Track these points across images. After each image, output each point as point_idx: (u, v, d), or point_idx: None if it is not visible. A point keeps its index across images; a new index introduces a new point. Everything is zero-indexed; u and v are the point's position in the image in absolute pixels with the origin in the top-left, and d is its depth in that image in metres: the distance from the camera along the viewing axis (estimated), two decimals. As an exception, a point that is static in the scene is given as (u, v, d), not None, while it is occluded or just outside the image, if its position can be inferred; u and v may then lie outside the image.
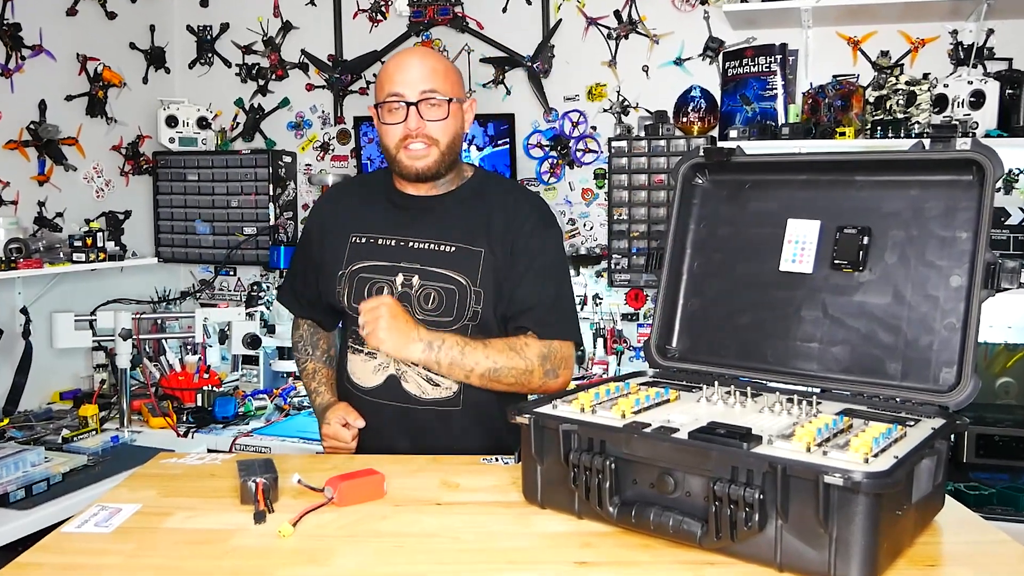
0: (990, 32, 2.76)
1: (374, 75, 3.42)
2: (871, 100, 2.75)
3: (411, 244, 1.68)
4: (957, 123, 2.54)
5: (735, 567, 1.04)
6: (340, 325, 1.86)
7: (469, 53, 3.30)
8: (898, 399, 1.28)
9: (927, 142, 1.31)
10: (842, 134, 2.67)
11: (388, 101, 1.63)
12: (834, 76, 2.86)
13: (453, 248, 1.65)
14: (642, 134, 3.01)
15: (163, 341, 3.09)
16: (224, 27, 3.59)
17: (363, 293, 1.67)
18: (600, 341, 3.13)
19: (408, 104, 1.61)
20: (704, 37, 3.05)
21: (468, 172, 1.77)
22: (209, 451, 2.54)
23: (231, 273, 3.64)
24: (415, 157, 1.64)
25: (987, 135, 2.55)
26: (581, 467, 1.15)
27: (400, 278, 1.66)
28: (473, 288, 1.63)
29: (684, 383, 1.43)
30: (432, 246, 1.67)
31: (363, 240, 1.72)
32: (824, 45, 2.93)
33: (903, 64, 2.86)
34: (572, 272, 3.09)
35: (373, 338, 1.54)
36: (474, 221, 1.68)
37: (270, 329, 3.13)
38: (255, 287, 3.23)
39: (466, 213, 1.69)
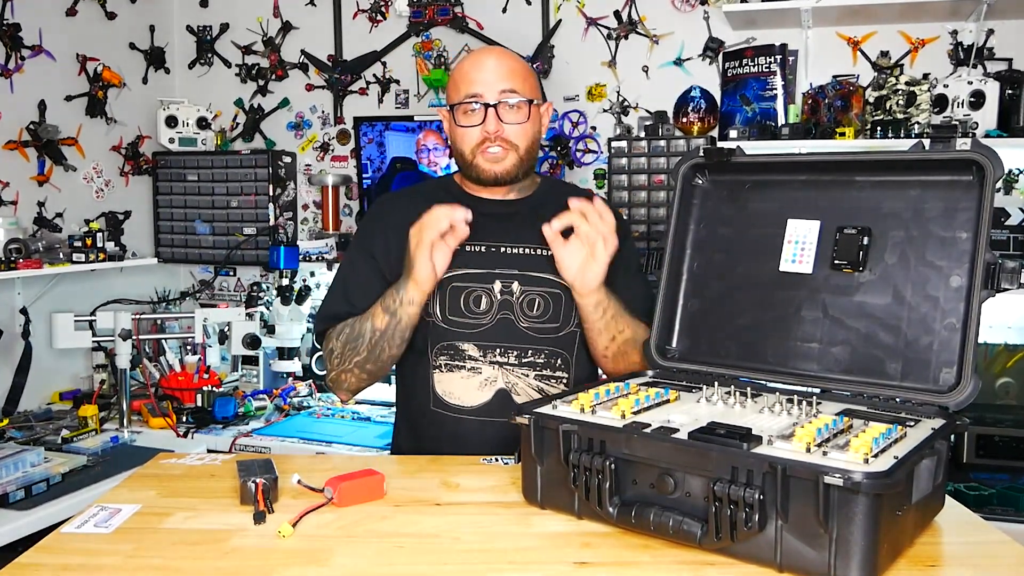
0: (990, 32, 2.77)
1: (374, 75, 3.43)
2: (871, 100, 2.75)
3: (503, 249, 1.61)
4: (957, 123, 2.54)
5: (735, 567, 1.04)
6: (420, 345, 1.62)
7: (469, 53, 3.30)
8: (898, 399, 1.28)
9: (927, 142, 1.31)
10: (842, 134, 2.68)
11: (465, 102, 1.57)
12: (834, 76, 2.86)
13: (549, 252, 1.56)
14: (642, 134, 3.01)
15: (163, 341, 3.09)
16: (224, 27, 3.59)
17: (459, 304, 1.58)
18: (600, 341, 3.12)
19: (486, 106, 1.55)
20: (704, 37, 3.06)
21: (538, 178, 1.74)
22: (209, 451, 2.54)
23: (231, 273, 3.64)
24: (493, 160, 1.58)
25: (987, 135, 2.55)
26: (581, 467, 1.15)
27: (498, 285, 1.58)
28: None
29: (684, 383, 1.43)
30: (527, 250, 1.61)
31: None
32: (824, 45, 2.93)
33: (903, 64, 2.86)
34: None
35: (601, 251, 1.45)
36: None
37: (270, 329, 3.13)
38: (255, 287, 3.22)
39: (552, 215, 1.60)
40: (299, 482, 1.28)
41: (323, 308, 1.69)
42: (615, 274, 1.62)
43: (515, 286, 1.59)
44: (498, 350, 1.58)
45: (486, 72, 1.57)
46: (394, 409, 1.80)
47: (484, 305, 1.59)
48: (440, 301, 1.59)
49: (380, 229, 1.67)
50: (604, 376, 1.69)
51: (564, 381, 1.62)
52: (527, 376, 1.59)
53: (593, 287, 1.51)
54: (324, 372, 1.71)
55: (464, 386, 1.58)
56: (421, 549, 1.11)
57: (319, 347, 1.68)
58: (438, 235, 1.44)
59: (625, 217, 3.00)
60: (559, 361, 1.61)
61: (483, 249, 1.61)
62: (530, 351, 1.59)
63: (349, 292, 1.64)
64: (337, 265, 1.76)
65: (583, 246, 1.49)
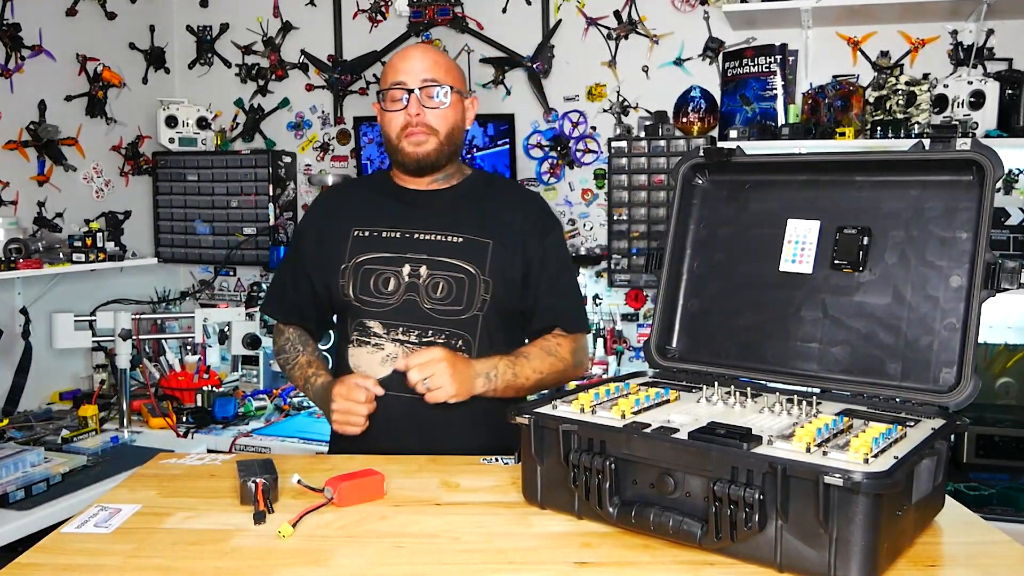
0: (990, 32, 2.77)
1: (374, 75, 3.43)
2: (871, 100, 2.75)
3: (416, 236, 1.69)
4: (957, 123, 2.54)
5: (735, 567, 1.04)
6: (336, 320, 1.83)
7: (469, 53, 3.30)
8: (898, 399, 1.28)
9: (927, 142, 1.31)
10: (842, 134, 2.68)
11: (390, 89, 1.66)
12: (834, 76, 2.86)
13: (460, 239, 1.67)
14: (642, 134, 3.01)
15: (163, 341, 3.09)
16: (224, 27, 3.59)
17: (369, 284, 1.68)
18: (600, 341, 3.13)
19: (409, 91, 1.64)
20: (704, 37, 3.05)
21: (467, 170, 1.82)
22: (209, 451, 2.53)
23: (231, 273, 3.64)
24: (415, 144, 1.66)
25: (987, 135, 2.55)
26: (581, 467, 1.15)
27: (407, 268, 1.66)
28: (482, 277, 1.65)
29: (684, 383, 1.43)
30: (439, 237, 1.68)
31: (366, 233, 1.72)
32: (824, 45, 2.93)
33: (903, 64, 2.86)
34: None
35: (442, 391, 1.52)
36: (480, 214, 1.71)
37: (270, 329, 3.13)
38: (255, 287, 3.23)
39: (471, 206, 1.72)
40: (299, 482, 1.28)
41: (268, 293, 1.94)
42: (533, 270, 1.70)
43: (423, 270, 1.66)
44: (401, 328, 1.66)
45: (411, 62, 1.67)
46: None
47: (392, 286, 1.67)
48: (353, 283, 1.69)
49: (311, 226, 1.82)
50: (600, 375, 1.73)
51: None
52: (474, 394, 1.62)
53: (464, 398, 1.57)
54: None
55: (369, 360, 1.68)
56: (421, 549, 1.11)
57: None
58: (352, 407, 1.59)
59: (624, 217, 3.00)
60: (459, 343, 1.66)
61: (397, 235, 1.70)
62: (431, 331, 1.65)
63: (285, 291, 1.83)
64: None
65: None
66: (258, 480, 1.24)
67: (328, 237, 1.76)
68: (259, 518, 1.19)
